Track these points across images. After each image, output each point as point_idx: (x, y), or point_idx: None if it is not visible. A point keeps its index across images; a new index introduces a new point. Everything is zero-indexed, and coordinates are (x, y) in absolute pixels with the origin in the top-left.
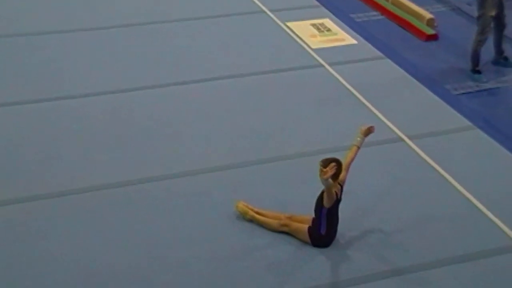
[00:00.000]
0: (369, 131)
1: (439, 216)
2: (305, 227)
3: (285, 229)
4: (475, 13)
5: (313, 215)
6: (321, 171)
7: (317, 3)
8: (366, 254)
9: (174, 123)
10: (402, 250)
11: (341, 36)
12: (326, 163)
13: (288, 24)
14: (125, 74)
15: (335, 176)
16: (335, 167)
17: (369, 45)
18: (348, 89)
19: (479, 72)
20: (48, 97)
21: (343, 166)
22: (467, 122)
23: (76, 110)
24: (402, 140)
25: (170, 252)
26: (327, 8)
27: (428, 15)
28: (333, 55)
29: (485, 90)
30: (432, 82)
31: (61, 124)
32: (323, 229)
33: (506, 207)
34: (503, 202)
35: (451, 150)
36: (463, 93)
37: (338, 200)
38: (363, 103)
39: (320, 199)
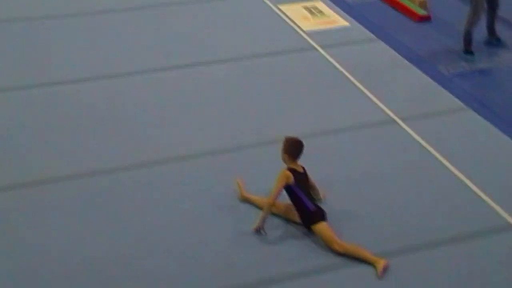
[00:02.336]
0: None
1: (432, 197)
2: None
3: (274, 210)
4: None
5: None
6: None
7: None
8: (360, 236)
9: (168, 108)
10: (395, 231)
11: (333, 19)
12: (288, 142)
13: (281, 7)
14: (117, 59)
15: (296, 154)
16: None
17: (362, 27)
18: (341, 72)
19: (471, 53)
20: (40, 82)
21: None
22: (460, 103)
23: (68, 95)
24: (395, 122)
25: (162, 239)
26: None
27: None
28: (326, 37)
29: (477, 71)
30: (424, 63)
31: (53, 110)
32: (311, 206)
33: (499, 187)
34: (496, 183)
35: (444, 131)
36: (456, 74)
37: (302, 173)
38: (356, 85)
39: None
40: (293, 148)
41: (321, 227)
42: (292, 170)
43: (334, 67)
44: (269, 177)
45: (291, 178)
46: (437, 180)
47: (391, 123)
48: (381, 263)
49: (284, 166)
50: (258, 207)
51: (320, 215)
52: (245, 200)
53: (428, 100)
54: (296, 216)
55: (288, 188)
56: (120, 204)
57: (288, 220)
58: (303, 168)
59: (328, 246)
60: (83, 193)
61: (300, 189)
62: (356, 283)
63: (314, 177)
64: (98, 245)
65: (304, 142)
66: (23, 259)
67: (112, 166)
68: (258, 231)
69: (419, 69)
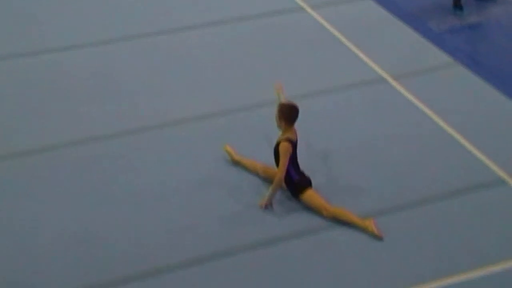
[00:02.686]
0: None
1: (426, 154)
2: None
3: (263, 175)
4: None
5: None
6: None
7: None
8: (352, 197)
9: (161, 73)
10: (390, 190)
11: None
12: (283, 108)
13: None
14: (105, 25)
15: (292, 120)
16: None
17: None
18: (330, 31)
19: (461, 7)
20: (27, 51)
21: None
22: (450, 59)
23: (56, 63)
24: (386, 80)
25: (157, 205)
26: None
27: None
28: None
29: (467, 26)
30: (415, 20)
31: (40, 78)
32: (294, 176)
33: (491, 142)
34: (488, 137)
35: (436, 88)
36: (446, 30)
37: (295, 141)
38: (346, 45)
39: (276, 149)
40: (289, 114)
41: (308, 195)
42: (290, 141)
43: (323, 27)
44: (261, 140)
45: (291, 150)
46: (429, 137)
47: (383, 81)
48: (371, 223)
49: (276, 132)
50: (250, 170)
51: (305, 183)
52: (237, 163)
53: (419, 57)
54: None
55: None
56: (114, 171)
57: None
58: (296, 133)
59: (317, 213)
60: (73, 161)
61: (291, 160)
62: (349, 244)
63: (306, 139)
64: (93, 213)
65: (298, 104)
66: (13, 230)
67: (101, 133)
68: (266, 207)
69: (410, 27)
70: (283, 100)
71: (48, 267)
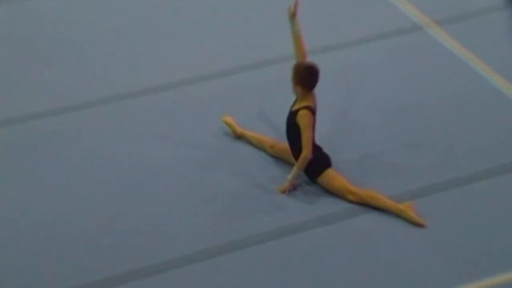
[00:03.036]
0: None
1: (476, 120)
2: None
3: (271, 151)
4: None
5: None
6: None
7: None
8: (387, 174)
9: (139, 27)
10: (432, 164)
11: None
12: (300, 69)
13: None
14: None
15: (311, 84)
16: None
17: None
18: None
19: None
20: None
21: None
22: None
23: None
24: (424, 27)
25: (146, 189)
26: None
27: None
28: None
29: None
30: None
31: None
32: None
33: None
34: None
35: (483, 34)
36: None
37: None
38: None
39: (292, 119)
40: (308, 77)
41: (327, 177)
42: (310, 110)
43: None
44: (266, 107)
45: (314, 120)
46: (479, 98)
47: (419, 29)
48: (408, 208)
49: (285, 97)
50: (256, 145)
51: (323, 162)
52: (240, 137)
53: None
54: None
55: (298, 132)
56: (110, 137)
57: (287, 162)
58: (315, 99)
59: (340, 197)
60: (70, 128)
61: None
62: (381, 233)
63: (326, 102)
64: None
65: (317, 59)
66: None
67: (70, 103)
68: (288, 191)
69: None
70: (237, 129)
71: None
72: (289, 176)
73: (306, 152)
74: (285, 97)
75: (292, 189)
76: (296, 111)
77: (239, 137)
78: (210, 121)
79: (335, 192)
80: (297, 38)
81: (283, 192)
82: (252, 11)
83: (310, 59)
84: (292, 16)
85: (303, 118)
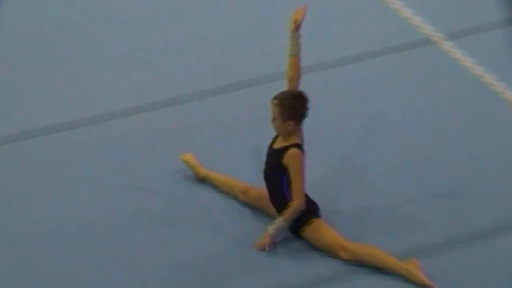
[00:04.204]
0: (297, 17)
1: (498, 141)
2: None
3: (244, 199)
4: None
5: None
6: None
7: None
8: (388, 227)
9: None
10: (444, 217)
11: None
12: (288, 100)
13: None
14: None
15: (304, 116)
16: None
17: None
18: None
19: None
20: None
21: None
22: None
23: None
24: (433, 41)
25: (85, 251)
26: None
27: None
28: None
29: None
30: None
31: None
32: (289, 196)
33: None
34: None
35: (499, 49)
36: None
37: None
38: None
39: (276, 159)
40: (300, 109)
41: (315, 230)
42: (302, 149)
43: None
44: (243, 134)
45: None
46: (490, 109)
47: (429, 44)
48: (414, 267)
49: (258, 129)
50: (223, 189)
51: (310, 211)
52: (204, 180)
53: (477, 8)
54: (271, 209)
55: (282, 175)
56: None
57: (263, 212)
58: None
59: (331, 255)
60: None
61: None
62: None
63: (320, 131)
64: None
65: (318, 76)
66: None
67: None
68: (268, 248)
69: None
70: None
71: None
72: (271, 229)
73: (299, 201)
74: (256, 129)
75: (271, 246)
76: (283, 150)
77: (202, 179)
78: (165, 161)
79: (325, 249)
80: (296, 56)
81: (263, 249)
82: (212, 30)
83: (307, 77)
84: (297, 27)
85: (294, 159)
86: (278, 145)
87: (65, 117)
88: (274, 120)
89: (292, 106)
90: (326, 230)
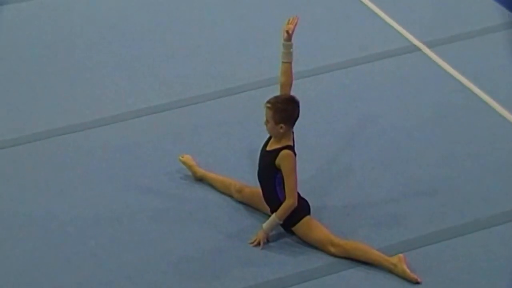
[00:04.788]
0: (288, 28)
1: (477, 139)
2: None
3: (239, 197)
4: None
5: None
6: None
7: None
8: (373, 223)
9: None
10: (429, 210)
11: None
12: (280, 104)
13: None
14: None
15: (295, 119)
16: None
17: None
18: None
19: None
20: None
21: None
22: (510, 16)
23: None
24: (418, 49)
25: (83, 247)
26: None
27: None
28: None
29: None
30: None
31: None
32: (281, 195)
33: None
34: None
35: (486, 56)
36: None
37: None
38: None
39: (270, 160)
40: (291, 113)
41: (305, 226)
42: (293, 150)
43: None
44: (239, 136)
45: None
46: (479, 121)
47: (413, 51)
48: (400, 262)
49: (254, 131)
50: (220, 189)
51: (301, 209)
52: (201, 180)
53: (464, 14)
54: (265, 207)
55: (275, 176)
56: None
57: (257, 209)
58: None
59: (321, 250)
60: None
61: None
62: None
63: (310, 133)
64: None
65: (308, 81)
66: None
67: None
68: (263, 244)
69: None
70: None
71: None
72: (265, 226)
73: (292, 201)
74: (251, 131)
75: (265, 242)
76: (276, 151)
77: (199, 179)
78: (165, 161)
79: (315, 244)
80: (288, 63)
81: (257, 244)
82: (210, 34)
83: (298, 82)
84: (289, 37)
85: (286, 160)
86: (271, 147)
87: (70, 120)
88: (266, 122)
89: (284, 110)
90: (316, 227)
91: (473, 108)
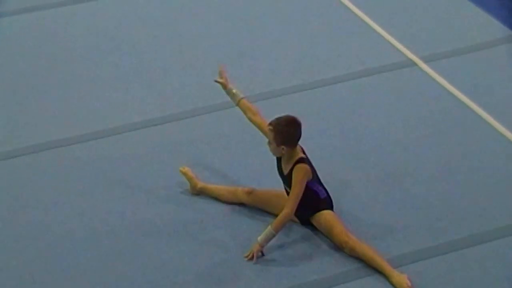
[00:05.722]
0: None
1: (472, 154)
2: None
3: (249, 200)
4: None
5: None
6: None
7: None
8: (373, 233)
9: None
10: (427, 224)
11: None
12: (279, 126)
13: None
14: None
15: (296, 140)
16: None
17: None
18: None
19: None
20: None
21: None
22: (507, 31)
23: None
24: (414, 64)
25: (84, 264)
26: None
27: None
28: None
29: None
30: None
31: None
32: (322, 193)
33: None
34: None
35: (484, 73)
36: None
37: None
38: (367, 22)
39: (291, 181)
40: (292, 134)
41: (328, 217)
42: (305, 162)
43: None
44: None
45: (310, 173)
46: (475, 136)
47: (409, 66)
48: (404, 281)
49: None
50: (224, 196)
51: (329, 204)
52: (201, 193)
53: (461, 29)
54: (278, 208)
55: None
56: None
57: (267, 212)
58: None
59: (333, 238)
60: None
61: (315, 181)
62: None
63: (312, 138)
64: None
65: (304, 95)
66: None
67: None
68: (256, 257)
69: None
70: (197, 183)
71: None
72: (260, 239)
73: (289, 211)
74: (248, 144)
75: (260, 255)
76: (291, 170)
77: (198, 193)
78: (164, 173)
79: (331, 234)
80: (242, 99)
81: (251, 258)
82: (207, 47)
83: (290, 98)
84: (224, 85)
85: (297, 172)
86: (286, 169)
87: (67, 132)
88: (269, 143)
89: (285, 132)
90: (338, 220)
91: (469, 123)
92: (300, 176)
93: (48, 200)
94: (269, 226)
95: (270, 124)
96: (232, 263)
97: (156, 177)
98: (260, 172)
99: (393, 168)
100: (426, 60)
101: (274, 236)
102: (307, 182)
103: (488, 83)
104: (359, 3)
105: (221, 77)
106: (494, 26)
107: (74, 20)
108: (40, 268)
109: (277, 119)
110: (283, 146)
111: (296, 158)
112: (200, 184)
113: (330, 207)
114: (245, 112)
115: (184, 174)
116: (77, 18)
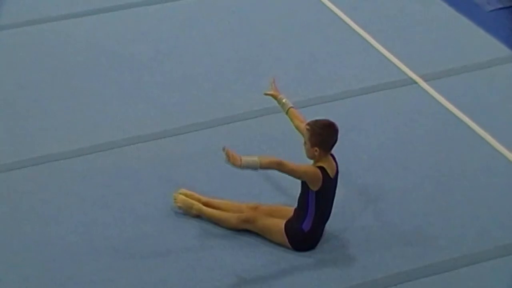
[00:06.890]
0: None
1: (471, 173)
2: (278, 223)
3: (248, 226)
4: None
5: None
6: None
7: None
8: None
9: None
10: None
11: None
12: (316, 127)
13: None
14: None
15: (330, 145)
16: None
17: None
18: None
19: None
20: None
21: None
22: (507, 51)
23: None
24: (414, 82)
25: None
26: None
27: None
28: None
29: None
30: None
31: None
32: (306, 224)
33: None
34: None
35: (484, 92)
36: (501, 9)
37: (334, 179)
38: (367, 39)
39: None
40: (327, 137)
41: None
42: (324, 171)
43: (339, 17)
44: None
45: (319, 183)
46: (472, 153)
47: (408, 84)
48: None
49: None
50: (219, 222)
51: (312, 241)
52: (201, 213)
53: (461, 48)
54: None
55: (307, 193)
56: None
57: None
58: (336, 165)
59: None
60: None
61: (317, 203)
62: None
63: None
64: None
65: (304, 112)
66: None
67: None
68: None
69: (449, 5)
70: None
71: None
72: (244, 158)
73: (281, 162)
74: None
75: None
76: None
77: (197, 216)
78: (160, 188)
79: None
80: (291, 108)
81: (229, 157)
82: (207, 63)
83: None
84: (274, 97)
85: (311, 167)
86: None
87: (67, 146)
88: (304, 143)
89: (320, 134)
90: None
91: (468, 142)
92: (307, 169)
93: (47, 213)
94: (258, 157)
95: (308, 124)
96: (231, 280)
97: (155, 192)
98: (261, 188)
99: (391, 185)
100: (426, 79)
101: (256, 168)
102: (308, 190)
103: (487, 102)
104: (360, 21)
105: (271, 89)
106: (494, 46)
107: (74, 34)
108: (39, 281)
109: (316, 120)
110: (316, 148)
111: (321, 165)
112: (196, 207)
113: (312, 246)
114: (292, 120)
115: (178, 201)
116: (77, 32)
